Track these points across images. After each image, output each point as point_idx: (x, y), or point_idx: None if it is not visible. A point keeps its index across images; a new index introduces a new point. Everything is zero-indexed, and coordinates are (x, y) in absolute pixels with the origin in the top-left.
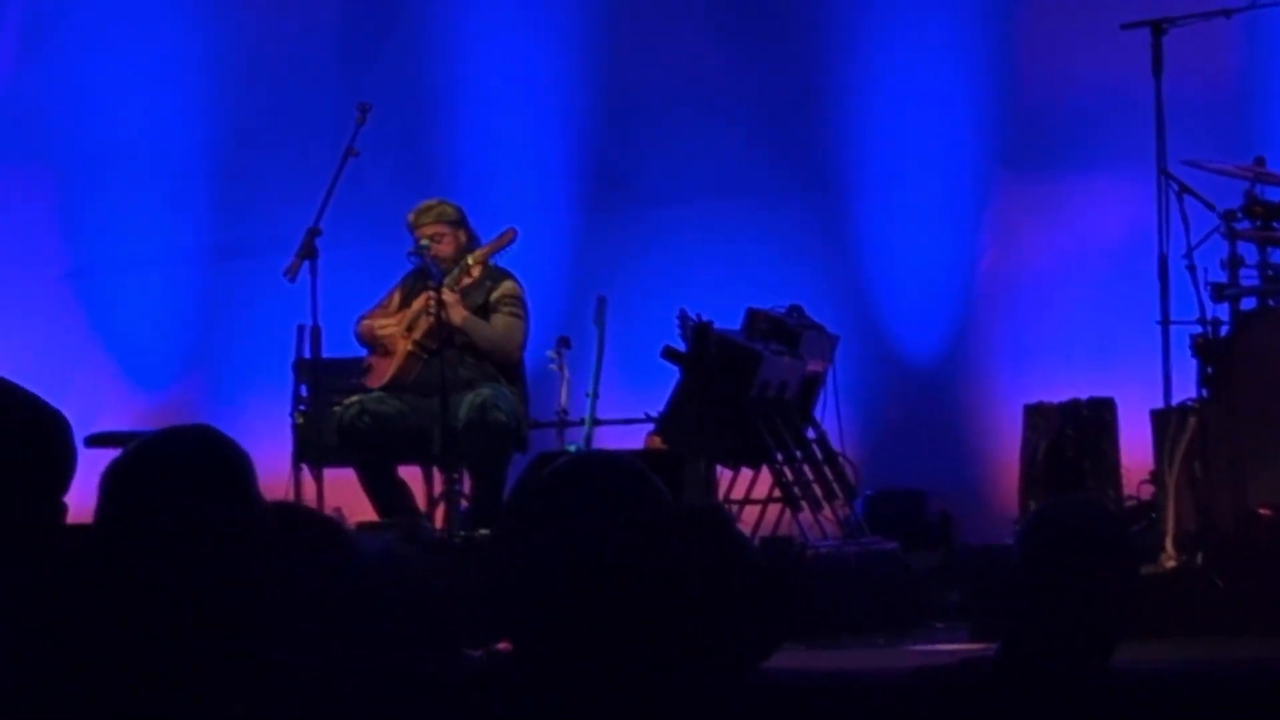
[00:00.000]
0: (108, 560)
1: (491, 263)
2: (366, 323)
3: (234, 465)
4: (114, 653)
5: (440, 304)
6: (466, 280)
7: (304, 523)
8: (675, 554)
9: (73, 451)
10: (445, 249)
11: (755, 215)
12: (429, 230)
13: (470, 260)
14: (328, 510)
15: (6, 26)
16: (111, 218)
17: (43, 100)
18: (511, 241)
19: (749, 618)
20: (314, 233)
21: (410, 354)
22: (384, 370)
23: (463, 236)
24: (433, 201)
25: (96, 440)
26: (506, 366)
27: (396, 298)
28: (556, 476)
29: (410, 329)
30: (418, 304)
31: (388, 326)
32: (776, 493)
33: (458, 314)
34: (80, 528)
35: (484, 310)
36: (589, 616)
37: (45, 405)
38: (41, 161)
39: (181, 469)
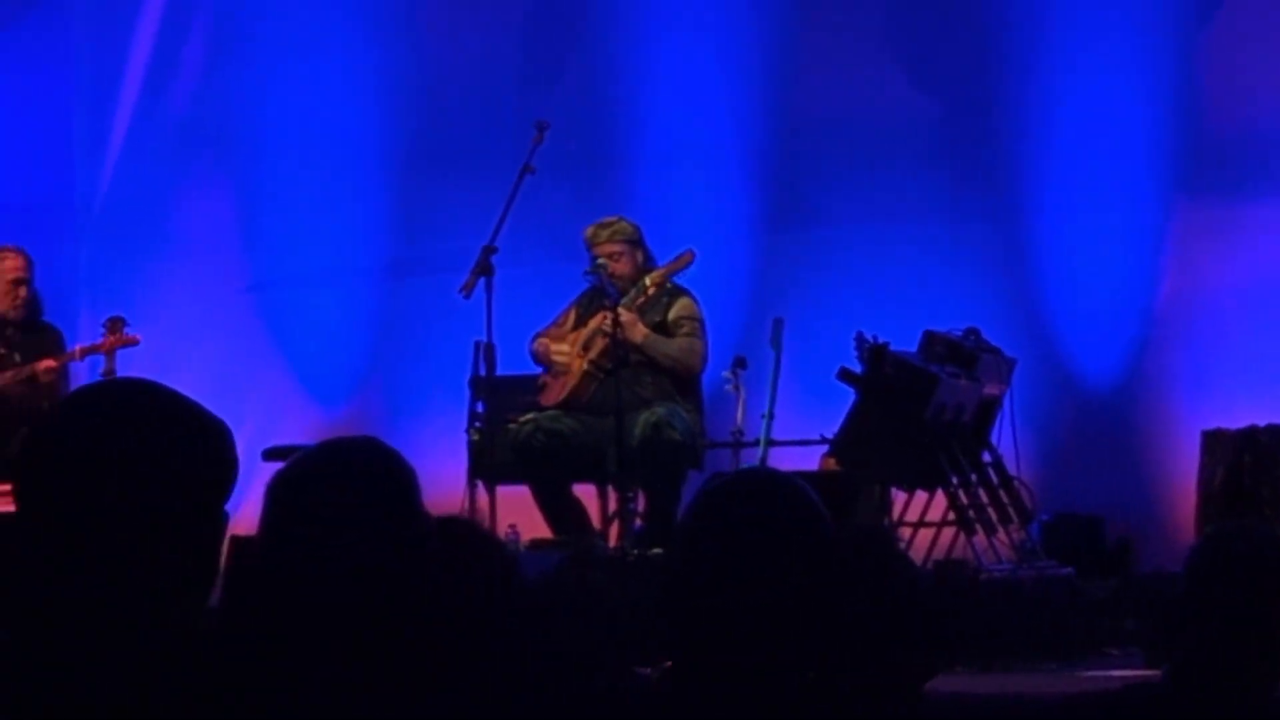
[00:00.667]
0: (271, 571)
1: (673, 281)
2: (542, 341)
3: (398, 477)
4: (276, 663)
5: (617, 323)
6: (642, 299)
7: (469, 538)
8: (837, 574)
9: (235, 461)
10: (623, 267)
11: (933, 238)
12: (607, 248)
13: (648, 281)
14: (502, 527)
15: (192, 44)
16: (292, 233)
17: (226, 116)
18: (689, 263)
19: (910, 639)
20: (490, 250)
21: (586, 373)
22: (559, 388)
23: (640, 256)
24: (611, 219)
25: (274, 454)
26: (685, 385)
27: (572, 316)
28: (718, 495)
29: (586, 348)
30: (594, 323)
31: (562, 354)
32: (951, 516)
33: (638, 332)
34: (246, 539)
35: (661, 329)
36: (751, 635)
37: (209, 414)
38: (225, 177)
39: (345, 480)
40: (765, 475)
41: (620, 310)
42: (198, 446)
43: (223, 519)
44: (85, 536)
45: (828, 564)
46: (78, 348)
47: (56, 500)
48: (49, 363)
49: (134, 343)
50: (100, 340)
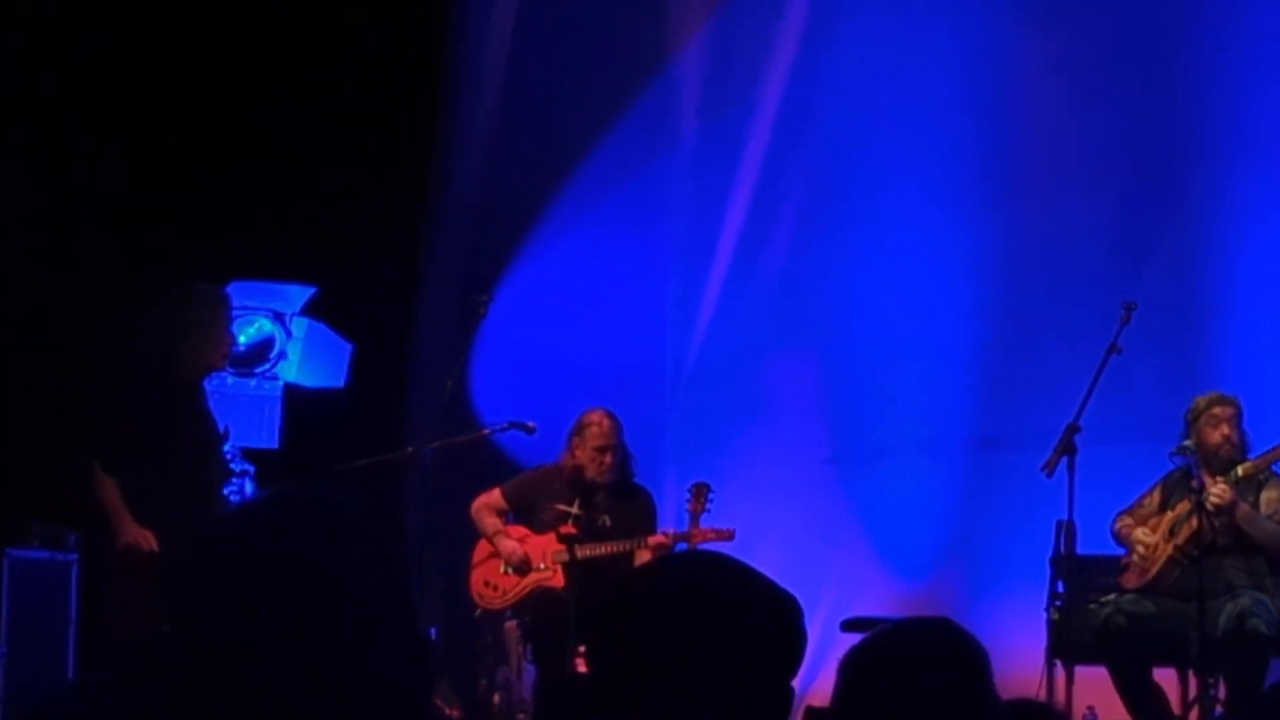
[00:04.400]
0: None
1: (1263, 471)
2: (1126, 523)
3: (971, 660)
4: None
5: (1202, 507)
6: (1234, 484)
7: None
8: None
9: (804, 637)
10: (1214, 438)
11: None
12: (1216, 410)
13: (1239, 472)
14: (1080, 708)
15: (783, 217)
16: (875, 405)
17: (814, 288)
18: None
19: None
20: (1074, 429)
21: (1170, 559)
22: (1143, 572)
23: (1236, 435)
24: (1224, 397)
25: (852, 625)
26: (1274, 570)
27: (1156, 497)
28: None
29: (1173, 533)
30: (1181, 508)
31: (1144, 544)
32: None
33: (1240, 509)
34: (821, 710)
35: (1259, 509)
36: None
37: (780, 590)
38: (810, 347)
39: (919, 660)
40: None
41: (1220, 483)
42: (769, 621)
43: (790, 692)
44: (654, 703)
45: None
46: (671, 533)
47: (628, 663)
48: (645, 555)
49: (728, 537)
50: (688, 528)
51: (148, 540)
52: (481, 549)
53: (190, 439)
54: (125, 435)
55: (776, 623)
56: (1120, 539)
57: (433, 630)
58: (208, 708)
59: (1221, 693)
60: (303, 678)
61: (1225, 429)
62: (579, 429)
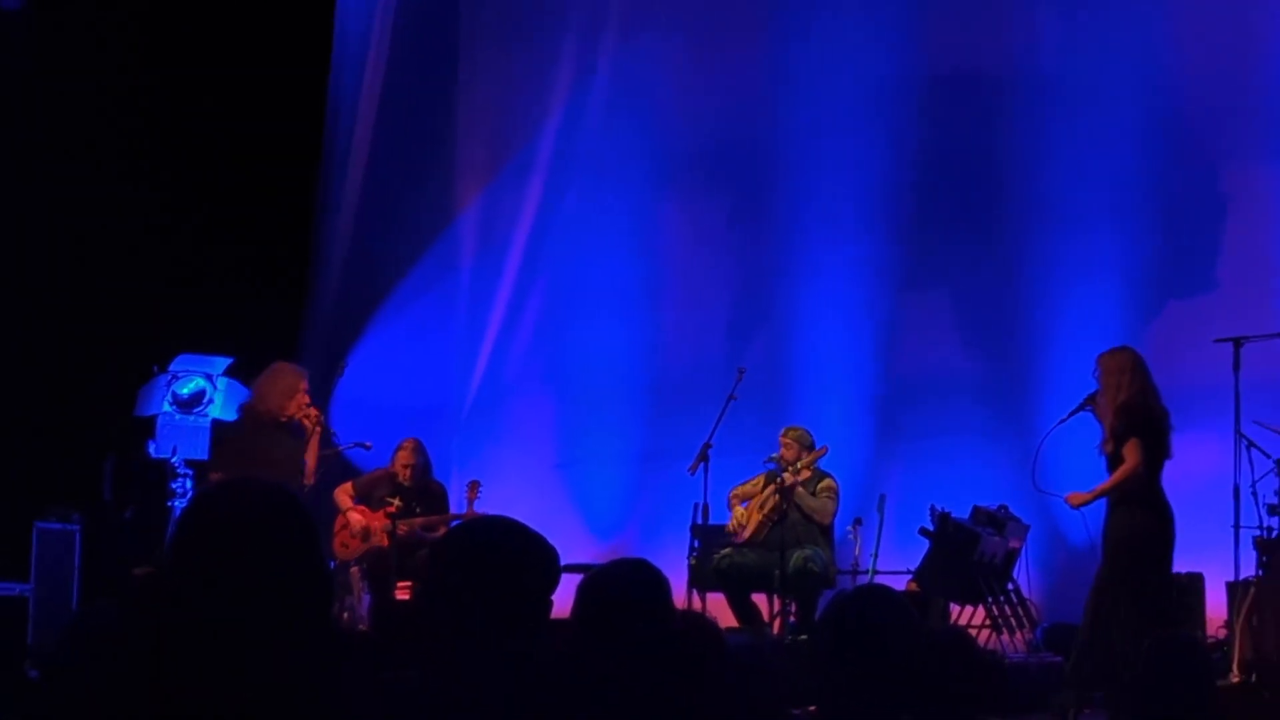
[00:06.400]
0: (580, 647)
1: (818, 466)
2: (736, 492)
3: (660, 585)
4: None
5: (782, 490)
6: (801, 475)
7: (700, 627)
8: (932, 664)
9: (558, 570)
10: (789, 454)
11: (980, 449)
12: (785, 439)
13: (800, 464)
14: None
15: (532, 302)
16: (587, 429)
17: (557, 348)
18: (823, 454)
19: (988, 695)
20: (707, 445)
21: (760, 523)
22: (744, 534)
23: (802, 451)
24: (796, 427)
25: (568, 568)
26: (823, 533)
27: (760, 481)
28: (842, 603)
29: (762, 506)
30: (768, 491)
31: (737, 518)
32: (987, 622)
33: (798, 492)
34: (562, 622)
35: (812, 495)
36: (879, 692)
37: (544, 540)
38: (546, 393)
39: (627, 585)
40: (878, 590)
41: (788, 476)
42: (538, 561)
43: (549, 605)
44: (462, 616)
45: (919, 648)
46: (450, 515)
47: (445, 591)
48: (440, 531)
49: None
50: (465, 510)
51: None
52: (339, 521)
53: (275, 458)
54: (233, 452)
55: (543, 562)
56: (730, 502)
57: (332, 563)
58: (178, 622)
59: (794, 609)
60: (251, 601)
61: (784, 450)
62: (396, 449)
